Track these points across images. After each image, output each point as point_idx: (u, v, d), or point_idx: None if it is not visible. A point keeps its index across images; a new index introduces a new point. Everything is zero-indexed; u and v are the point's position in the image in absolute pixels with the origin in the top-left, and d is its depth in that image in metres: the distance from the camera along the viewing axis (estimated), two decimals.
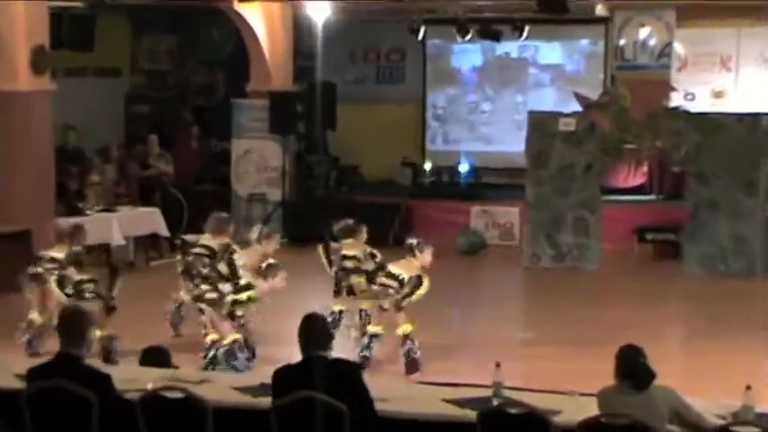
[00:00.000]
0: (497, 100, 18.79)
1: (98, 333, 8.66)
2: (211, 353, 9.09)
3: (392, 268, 9.42)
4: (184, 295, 10.17)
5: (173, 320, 10.54)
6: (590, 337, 10.41)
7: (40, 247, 11.05)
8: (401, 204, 16.51)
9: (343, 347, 8.55)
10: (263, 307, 9.25)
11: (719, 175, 14.11)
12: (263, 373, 6.57)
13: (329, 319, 8.63)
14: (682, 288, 13.73)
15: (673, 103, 16.07)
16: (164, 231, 14.89)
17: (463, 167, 18.03)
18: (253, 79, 17.32)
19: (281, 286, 9.12)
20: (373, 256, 9.97)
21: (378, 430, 5.81)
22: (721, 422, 5.70)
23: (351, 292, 9.98)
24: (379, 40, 19.53)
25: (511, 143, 17.44)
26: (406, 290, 9.23)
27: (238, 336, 9.06)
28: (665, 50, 17.60)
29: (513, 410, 5.72)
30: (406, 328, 9.28)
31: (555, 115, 14.98)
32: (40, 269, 9.76)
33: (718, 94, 17.59)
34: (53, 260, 9.78)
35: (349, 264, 9.95)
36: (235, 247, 9.50)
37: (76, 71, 17.47)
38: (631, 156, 15.48)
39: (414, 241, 9.46)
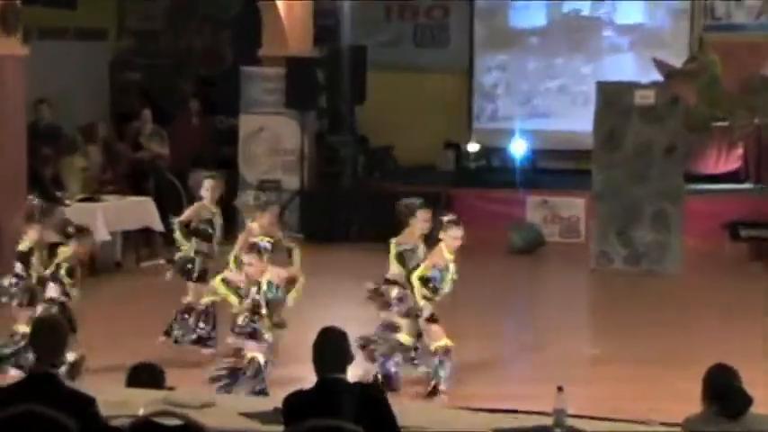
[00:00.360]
0: (562, 68, 18.77)
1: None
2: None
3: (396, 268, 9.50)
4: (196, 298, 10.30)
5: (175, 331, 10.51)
6: (670, 355, 10.39)
7: (10, 244, 11.04)
8: (442, 194, 16.49)
9: None
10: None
11: None
12: (275, 397, 6.61)
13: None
14: None
15: None
16: (157, 225, 14.78)
17: (517, 149, 18.03)
18: (265, 43, 17.35)
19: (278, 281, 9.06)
20: None
21: None
22: None
23: None
24: None
25: (576, 120, 17.45)
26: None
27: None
28: (766, 7, 17.53)
29: None
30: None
31: (630, 86, 14.97)
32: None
33: None
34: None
35: None
36: None
37: (53, 32, 17.56)
38: (722, 135, 15.43)
39: (444, 218, 9.45)
